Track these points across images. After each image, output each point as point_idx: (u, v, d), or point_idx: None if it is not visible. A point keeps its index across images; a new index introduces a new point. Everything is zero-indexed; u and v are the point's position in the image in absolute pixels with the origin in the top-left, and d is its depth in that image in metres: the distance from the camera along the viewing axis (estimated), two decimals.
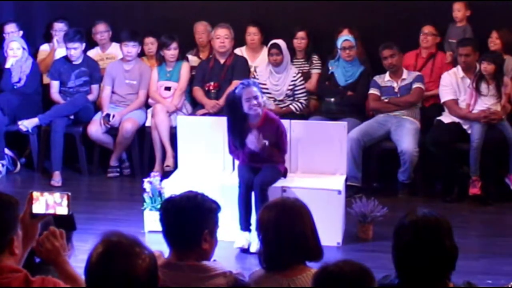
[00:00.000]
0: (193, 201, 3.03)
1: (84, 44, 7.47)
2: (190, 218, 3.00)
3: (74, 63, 7.46)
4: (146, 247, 2.42)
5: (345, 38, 7.07)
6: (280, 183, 5.62)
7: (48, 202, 2.87)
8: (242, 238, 5.43)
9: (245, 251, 5.38)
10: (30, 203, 2.88)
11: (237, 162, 5.84)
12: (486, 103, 6.53)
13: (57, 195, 2.88)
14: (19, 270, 2.63)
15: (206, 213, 3.04)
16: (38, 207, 2.87)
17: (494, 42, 6.95)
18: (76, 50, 7.38)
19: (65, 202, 2.87)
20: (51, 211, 2.88)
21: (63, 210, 2.87)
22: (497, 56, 6.62)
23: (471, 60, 6.64)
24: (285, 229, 3.04)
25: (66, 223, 2.93)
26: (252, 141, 5.42)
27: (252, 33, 7.63)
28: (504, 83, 6.60)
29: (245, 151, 5.54)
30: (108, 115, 7.22)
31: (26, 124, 7.20)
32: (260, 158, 5.55)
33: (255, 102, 5.44)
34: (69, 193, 2.89)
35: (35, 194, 2.88)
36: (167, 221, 3.04)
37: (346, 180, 6.05)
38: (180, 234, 3.00)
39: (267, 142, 5.48)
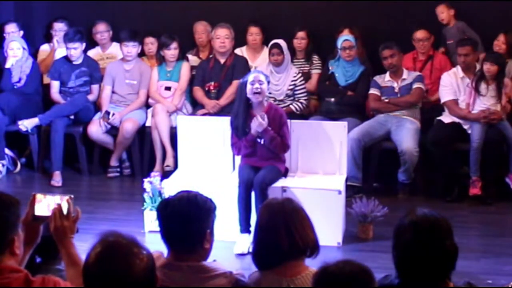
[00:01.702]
0: (194, 202, 3.03)
1: (84, 44, 7.47)
2: (194, 220, 3.00)
3: (74, 63, 7.46)
4: (144, 247, 2.42)
5: (345, 38, 7.07)
6: (280, 183, 5.62)
7: (50, 205, 2.87)
8: (242, 243, 5.39)
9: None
10: (32, 205, 2.88)
11: (237, 162, 5.84)
12: (485, 103, 6.52)
13: (59, 197, 2.88)
14: (20, 270, 2.64)
15: (207, 213, 3.05)
16: (41, 209, 2.87)
17: (500, 46, 6.95)
18: (76, 50, 7.38)
19: (66, 204, 2.87)
20: None
21: (65, 212, 2.87)
22: (499, 57, 6.62)
23: (470, 60, 6.64)
24: (269, 229, 3.05)
25: None
26: (257, 122, 5.43)
27: (254, 33, 7.63)
28: (504, 83, 6.60)
29: (248, 138, 5.54)
30: (107, 113, 7.21)
31: (26, 124, 7.20)
32: (261, 152, 5.55)
33: (257, 85, 5.47)
34: (72, 196, 2.89)
35: (38, 196, 2.88)
36: (168, 224, 3.02)
37: (346, 180, 6.05)
38: (184, 236, 3.00)
39: (270, 128, 5.50)
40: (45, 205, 2.88)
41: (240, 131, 5.57)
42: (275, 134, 5.53)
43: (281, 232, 3.02)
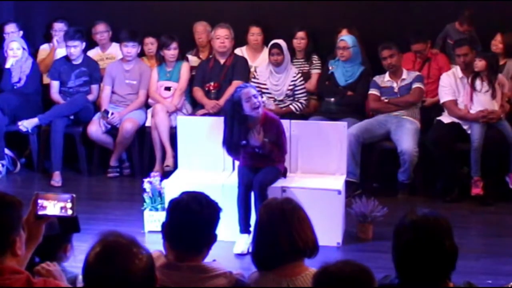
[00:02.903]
0: (210, 205, 3.04)
1: (84, 44, 7.47)
2: (209, 223, 3.02)
3: (74, 63, 7.46)
4: (143, 247, 2.42)
5: (341, 38, 7.09)
6: (280, 183, 5.61)
7: (53, 204, 2.87)
8: (242, 243, 5.39)
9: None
10: (35, 204, 2.87)
11: (237, 162, 5.84)
12: (480, 99, 6.51)
13: (62, 196, 2.88)
14: (21, 271, 2.62)
15: (219, 216, 3.06)
16: (43, 209, 2.87)
17: (497, 45, 6.97)
18: (76, 49, 7.37)
19: (69, 204, 2.87)
20: (55, 212, 2.88)
21: (68, 212, 2.88)
22: (490, 54, 6.65)
23: (469, 59, 6.63)
24: (269, 229, 3.05)
25: (70, 225, 2.94)
26: (254, 137, 5.42)
27: (256, 33, 7.63)
28: (501, 82, 6.62)
29: (247, 150, 5.54)
30: (106, 111, 7.21)
31: (26, 125, 7.20)
32: (260, 158, 5.55)
33: (255, 100, 5.44)
34: (74, 195, 2.88)
35: (40, 195, 2.88)
36: (181, 225, 3.01)
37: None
38: (196, 238, 3.01)
39: (267, 140, 5.49)
40: (47, 204, 2.87)
41: (237, 149, 5.55)
42: (273, 146, 5.52)
43: (281, 232, 3.02)
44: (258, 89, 6.41)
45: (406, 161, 6.54)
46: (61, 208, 2.87)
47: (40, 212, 2.86)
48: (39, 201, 2.87)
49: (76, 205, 2.87)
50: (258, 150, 5.51)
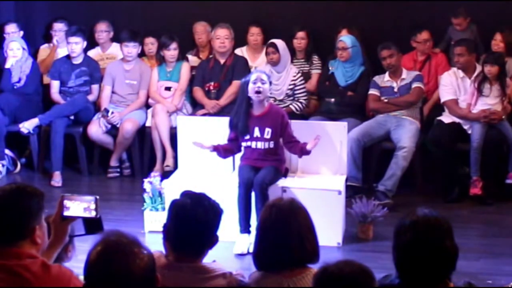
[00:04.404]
0: (211, 208, 3.05)
1: (85, 42, 7.47)
2: (210, 227, 3.03)
3: (74, 62, 7.46)
4: (144, 247, 2.42)
5: (340, 38, 7.09)
6: (280, 183, 5.62)
7: (78, 205, 2.96)
8: (241, 243, 5.39)
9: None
10: (60, 205, 2.95)
11: (237, 163, 5.84)
12: (488, 102, 6.51)
13: (85, 198, 2.97)
14: (37, 256, 2.72)
15: (220, 218, 3.07)
16: (68, 210, 2.96)
17: (498, 44, 6.96)
18: (77, 45, 7.36)
19: (93, 205, 2.96)
20: (79, 213, 2.96)
21: (91, 213, 2.96)
22: (498, 57, 6.61)
23: (464, 60, 6.61)
24: (278, 230, 3.03)
25: (94, 226, 3.02)
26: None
27: (255, 33, 7.64)
28: (507, 84, 6.60)
29: (243, 140, 5.55)
30: (106, 110, 7.20)
31: (27, 126, 7.19)
32: (262, 154, 5.55)
33: (259, 84, 5.48)
34: (98, 197, 2.96)
35: (66, 197, 2.98)
36: (183, 228, 3.01)
37: (346, 180, 6.04)
38: (198, 241, 3.01)
39: (270, 130, 5.50)
40: (72, 205, 2.96)
41: (238, 129, 5.58)
42: (296, 145, 5.55)
43: (291, 234, 3.00)
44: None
45: (399, 160, 6.41)
46: (85, 209, 2.97)
47: (65, 213, 2.96)
48: (65, 202, 2.96)
49: (99, 207, 2.95)
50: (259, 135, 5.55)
